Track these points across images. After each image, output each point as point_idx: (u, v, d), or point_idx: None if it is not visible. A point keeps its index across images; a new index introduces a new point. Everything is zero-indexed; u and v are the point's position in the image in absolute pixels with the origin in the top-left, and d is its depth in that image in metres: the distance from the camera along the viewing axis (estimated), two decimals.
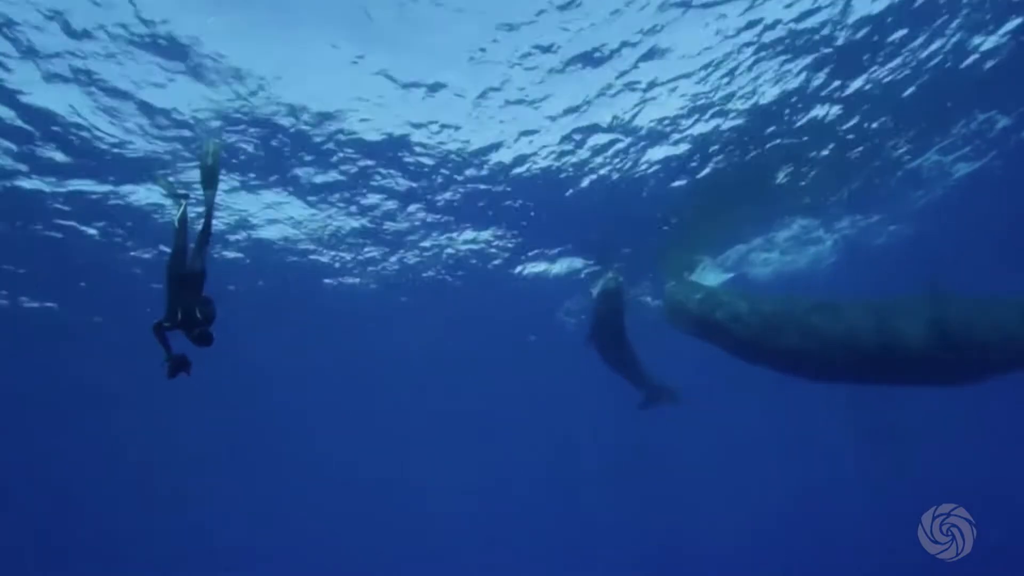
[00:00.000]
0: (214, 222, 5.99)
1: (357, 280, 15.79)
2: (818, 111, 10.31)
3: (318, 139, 10.45)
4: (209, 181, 6.02)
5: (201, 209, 6.06)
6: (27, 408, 23.76)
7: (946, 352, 8.78)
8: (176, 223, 5.80)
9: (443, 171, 11.47)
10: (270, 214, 12.81)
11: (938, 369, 9.15)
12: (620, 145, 10.94)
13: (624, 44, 8.95)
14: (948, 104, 10.46)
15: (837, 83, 9.77)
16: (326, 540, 53.16)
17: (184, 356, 5.50)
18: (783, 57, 9.23)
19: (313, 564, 51.88)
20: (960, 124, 11.04)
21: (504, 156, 11.14)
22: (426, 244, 14.34)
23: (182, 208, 5.85)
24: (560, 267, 15.30)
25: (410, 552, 48.79)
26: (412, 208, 12.77)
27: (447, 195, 12.23)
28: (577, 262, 15.08)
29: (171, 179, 6.65)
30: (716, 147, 10.98)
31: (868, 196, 13.12)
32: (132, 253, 14.00)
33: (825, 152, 11.25)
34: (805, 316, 9.55)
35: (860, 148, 11.30)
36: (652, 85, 9.69)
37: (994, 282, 15.06)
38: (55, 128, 9.73)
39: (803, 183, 12.20)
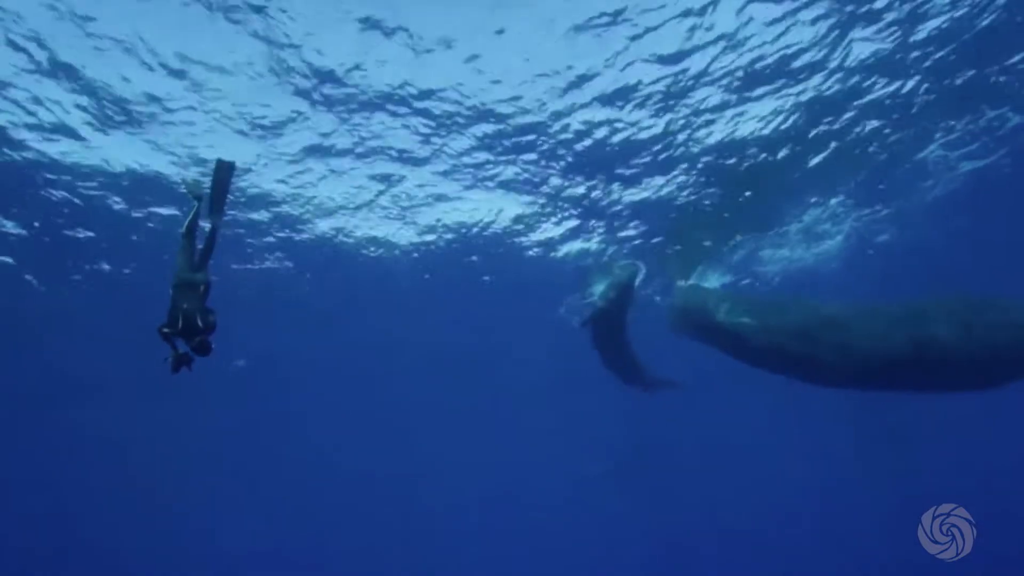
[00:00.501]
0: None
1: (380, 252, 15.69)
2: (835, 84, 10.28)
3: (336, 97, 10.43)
4: (218, 199, 6.14)
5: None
6: (27, 402, 23.87)
7: (975, 356, 8.70)
8: (184, 228, 5.85)
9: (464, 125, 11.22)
10: (286, 188, 12.72)
11: (963, 374, 9.08)
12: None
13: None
14: (958, 99, 10.31)
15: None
16: (330, 541, 53.51)
17: (187, 354, 5.58)
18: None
19: (319, 566, 52.24)
20: (965, 120, 10.91)
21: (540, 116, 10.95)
22: (432, 220, 14.09)
23: (191, 214, 5.91)
24: (575, 247, 15.05)
25: (415, 553, 48.95)
26: (426, 175, 12.69)
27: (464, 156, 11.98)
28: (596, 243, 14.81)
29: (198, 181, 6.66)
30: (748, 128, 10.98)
31: (876, 188, 13.05)
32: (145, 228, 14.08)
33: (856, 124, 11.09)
34: (819, 324, 9.49)
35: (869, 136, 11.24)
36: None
37: (1002, 283, 14.99)
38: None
39: (818, 168, 12.21)
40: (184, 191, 6.37)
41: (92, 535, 44.69)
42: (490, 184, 12.72)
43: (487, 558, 51.71)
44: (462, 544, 50.91)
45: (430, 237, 14.67)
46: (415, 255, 15.39)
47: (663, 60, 9.68)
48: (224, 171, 6.13)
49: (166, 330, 5.39)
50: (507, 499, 46.42)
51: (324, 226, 14.12)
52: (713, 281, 16.25)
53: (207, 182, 6.38)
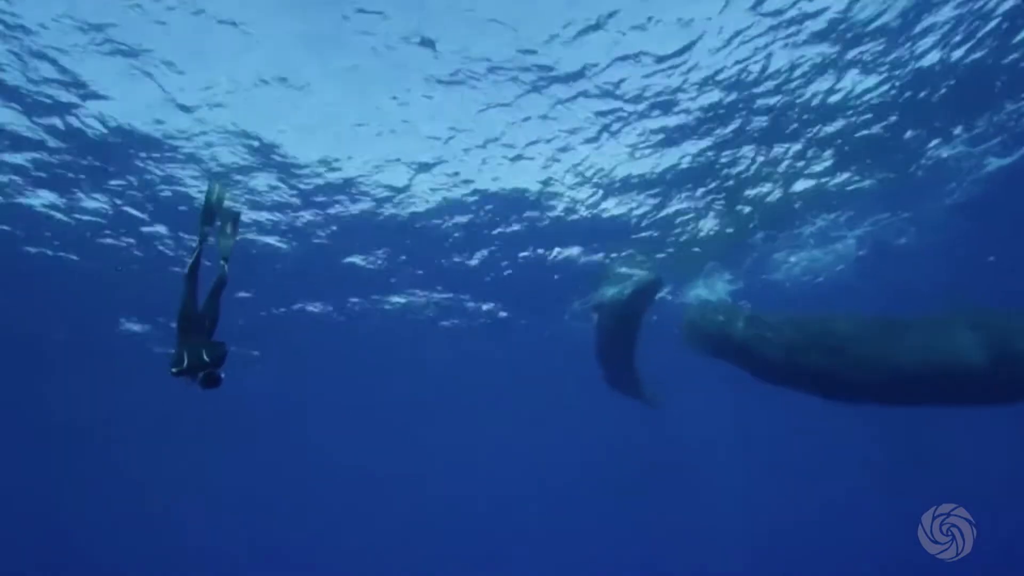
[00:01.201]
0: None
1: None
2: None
3: None
4: (231, 227, 6.34)
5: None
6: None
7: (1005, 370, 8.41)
8: (187, 269, 5.85)
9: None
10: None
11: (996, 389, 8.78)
12: None
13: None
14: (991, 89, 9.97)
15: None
16: (330, 541, 53.46)
17: (205, 376, 5.53)
18: None
19: (319, 566, 52.31)
20: (985, 116, 10.59)
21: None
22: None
23: (195, 254, 5.91)
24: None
25: (416, 554, 48.81)
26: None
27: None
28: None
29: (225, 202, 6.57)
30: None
31: (896, 190, 12.64)
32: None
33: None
34: (853, 338, 9.21)
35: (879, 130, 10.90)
36: None
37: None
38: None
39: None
40: (206, 193, 6.35)
41: (88, 534, 44.99)
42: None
43: (489, 560, 51.39)
44: (464, 546, 50.61)
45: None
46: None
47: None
48: (233, 220, 6.30)
49: (173, 371, 5.37)
50: (510, 501, 46.17)
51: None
52: (720, 288, 15.99)
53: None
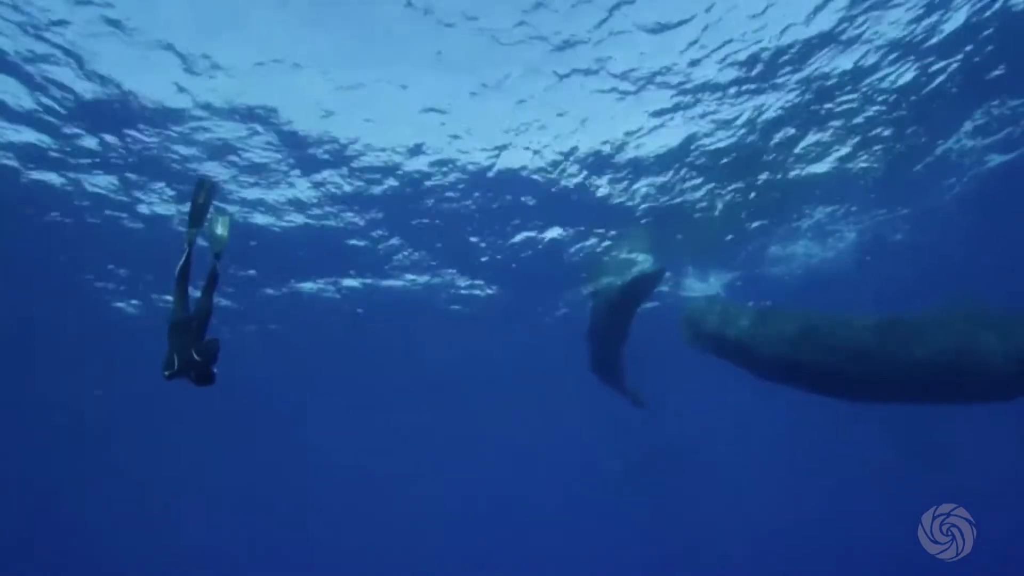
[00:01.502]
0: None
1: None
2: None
3: None
4: (221, 226, 6.31)
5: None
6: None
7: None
8: (178, 271, 5.83)
9: None
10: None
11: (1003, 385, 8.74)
12: None
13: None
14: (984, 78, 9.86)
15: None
16: (329, 541, 53.32)
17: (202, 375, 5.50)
18: None
19: (319, 566, 52.23)
20: (981, 110, 10.46)
21: None
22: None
23: (185, 256, 5.87)
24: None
25: (415, 555, 48.69)
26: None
27: None
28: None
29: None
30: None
31: (895, 185, 12.52)
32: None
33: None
34: (854, 336, 9.14)
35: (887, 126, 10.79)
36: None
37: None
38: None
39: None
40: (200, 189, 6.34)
41: (88, 534, 44.89)
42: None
43: (489, 559, 51.32)
44: (465, 547, 50.53)
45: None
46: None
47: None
48: (222, 219, 6.36)
49: (165, 373, 5.31)
50: (510, 500, 46.06)
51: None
52: (714, 282, 15.88)
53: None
